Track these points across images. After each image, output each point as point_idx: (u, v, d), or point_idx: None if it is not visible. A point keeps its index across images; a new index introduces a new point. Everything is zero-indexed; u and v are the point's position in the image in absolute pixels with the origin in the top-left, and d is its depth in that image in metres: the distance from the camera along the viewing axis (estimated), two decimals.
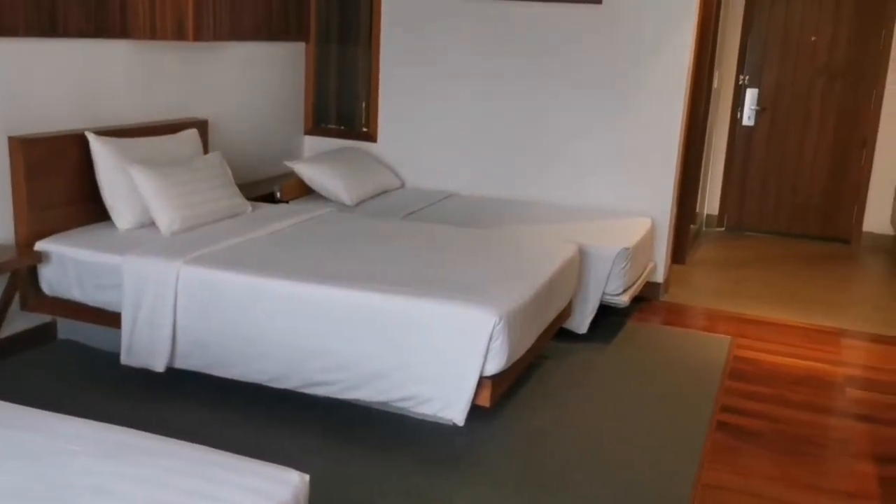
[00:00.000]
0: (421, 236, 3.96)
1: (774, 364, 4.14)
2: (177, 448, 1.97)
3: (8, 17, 3.45)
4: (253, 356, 3.24)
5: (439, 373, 3.00)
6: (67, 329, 3.87)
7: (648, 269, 4.84)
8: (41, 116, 3.71)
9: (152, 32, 4.07)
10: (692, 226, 6.01)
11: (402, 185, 5.52)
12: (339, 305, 3.12)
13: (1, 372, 3.53)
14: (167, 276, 3.32)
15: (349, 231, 4.00)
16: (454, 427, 3.13)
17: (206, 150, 4.47)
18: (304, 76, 5.64)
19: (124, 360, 3.45)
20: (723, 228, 7.22)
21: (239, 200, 4.19)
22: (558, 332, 4.01)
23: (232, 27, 4.48)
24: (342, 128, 5.75)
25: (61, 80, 3.79)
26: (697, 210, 6.43)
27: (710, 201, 7.18)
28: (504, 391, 3.27)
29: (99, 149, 3.77)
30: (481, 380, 3.01)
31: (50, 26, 3.65)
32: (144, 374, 3.46)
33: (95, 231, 3.77)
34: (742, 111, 6.99)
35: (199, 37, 4.13)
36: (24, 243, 3.60)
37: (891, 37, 6.49)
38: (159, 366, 3.37)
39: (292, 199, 4.95)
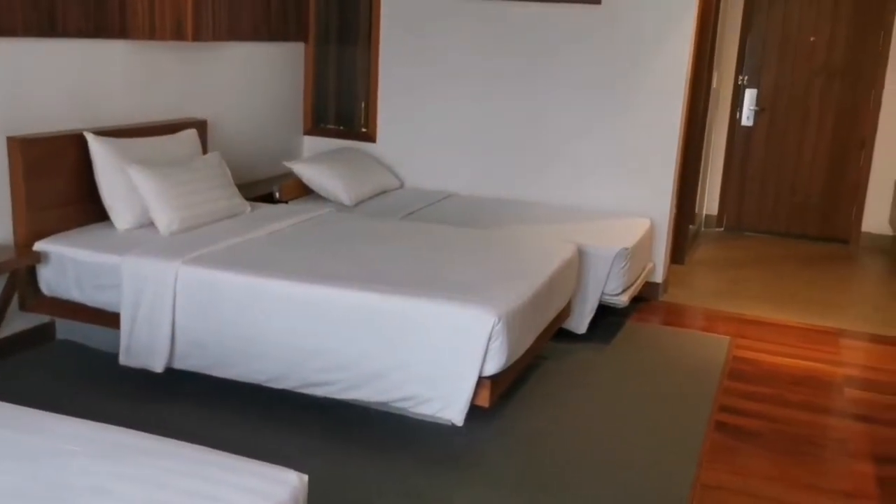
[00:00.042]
0: (420, 236, 3.96)
1: (773, 364, 4.14)
2: (175, 448, 1.97)
3: (6, 17, 3.45)
4: (252, 356, 3.24)
5: (438, 373, 3.00)
6: (66, 329, 3.87)
7: (647, 269, 4.84)
8: (40, 116, 3.70)
9: (151, 32, 4.06)
10: (691, 226, 6.01)
11: (401, 186, 5.52)
12: (338, 306, 3.12)
13: None
14: (166, 276, 3.31)
15: (348, 231, 3.99)
16: (453, 427, 3.13)
17: (205, 151, 4.46)
18: (303, 76, 5.64)
19: (123, 360, 3.44)
20: (722, 229, 7.22)
21: (238, 201, 4.19)
22: (557, 333, 4.01)
23: (231, 27, 4.48)
24: (341, 128, 5.74)
25: (60, 80, 3.79)
26: (696, 210, 6.43)
27: (710, 201, 7.18)
28: (503, 391, 3.27)
29: (98, 149, 3.77)
30: (480, 380, 3.01)
31: (49, 26, 3.65)
32: (143, 375, 3.45)
33: (94, 231, 3.77)
34: (741, 111, 7.00)
35: (197, 37, 4.13)
36: (23, 243, 3.60)
37: (889, 37, 6.49)
38: (158, 366, 3.37)
39: (291, 199, 4.95)
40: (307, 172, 4.94)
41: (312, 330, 3.14)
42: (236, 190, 4.24)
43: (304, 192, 5.04)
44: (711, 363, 4.06)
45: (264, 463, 1.93)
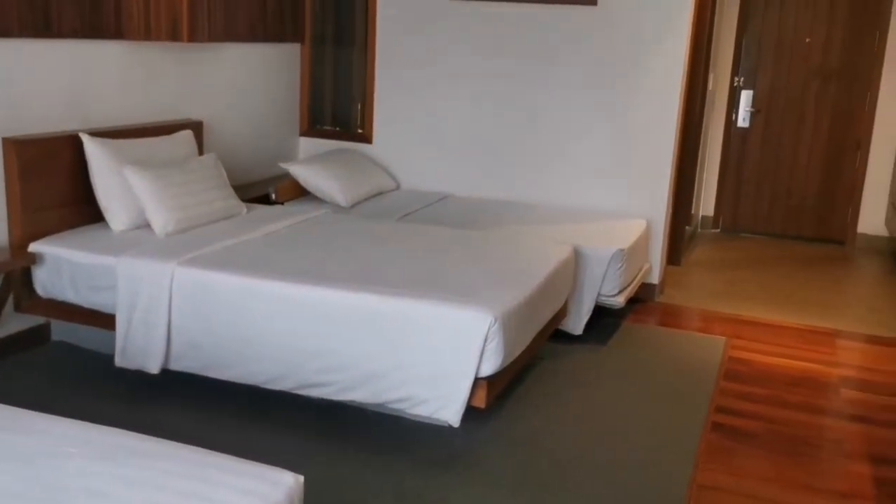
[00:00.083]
0: (416, 238, 3.95)
1: (769, 365, 4.14)
2: (171, 450, 1.97)
3: (2, 18, 3.44)
4: (248, 357, 3.23)
5: (435, 374, 3.00)
6: (61, 331, 3.86)
7: (644, 270, 4.84)
8: (35, 117, 3.70)
9: (147, 33, 4.06)
10: (687, 227, 6.02)
11: (398, 187, 5.51)
12: (334, 307, 3.11)
13: None
14: (162, 277, 3.31)
15: (344, 232, 3.99)
16: (450, 428, 3.13)
17: (200, 152, 4.46)
18: (299, 77, 5.64)
19: (118, 361, 3.44)
20: (718, 230, 7.23)
21: (234, 202, 4.18)
22: (554, 334, 4.00)
23: (227, 28, 4.48)
24: (337, 129, 5.74)
25: (55, 81, 3.78)
26: (693, 211, 6.44)
27: (706, 203, 7.19)
28: (499, 392, 3.27)
29: (93, 150, 3.76)
30: (477, 381, 3.01)
31: (44, 26, 3.64)
32: (139, 376, 3.45)
33: (90, 232, 3.76)
34: (737, 113, 7.01)
35: (193, 38, 4.13)
36: (18, 245, 3.59)
37: (885, 39, 6.51)
38: (154, 367, 3.36)
39: (287, 200, 4.94)
40: (303, 174, 4.94)
41: (309, 331, 3.13)
42: (232, 191, 4.24)
43: (300, 193, 5.04)
44: (708, 364, 4.06)
45: (260, 464, 1.92)
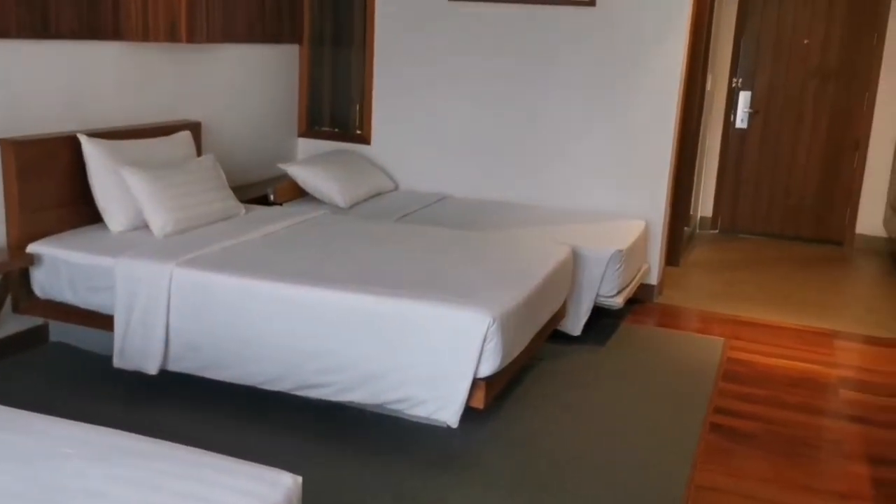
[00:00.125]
0: (415, 239, 3.95)
1: (768, 366, 4.14)
2: (169, 450, 1.97)
3: (0, 18, 3.43)
4: (246, 358, 3.23)
5: (433, 374, 3.00)
6: (59, 332, 3.86)
7: (642, 271, 4.84)
8: (33, 118, 3.69)
9: (145, 34, 4.06)
10: (686, 228, 6.02)
11: (396, 188, 5.51)
12: (332, 308, 3.11)
13: None
14: (160, 278, 3.30)
15: (343, 233, 3.99)
16: (448, 429, 3.13)
17: (199, 153, 4.46)
18: (297, 78, 5.64)
19: (117, 362, 3.43)
20: (716, 231, 7.23)
21: (232, 203, 4.18)
22: (552, 334, 4.00)
23: (225, 29, 4.48)
24: (336, 130, 5.74)
25: (53, 82, 3.78)
26: (691, 212, 6.44)
27: (704, 204, 7.19)
28: (498, 393, 3.27)
29: (91, 151, 3.76)
30: (475, 381, 3.01)
31: (42, 27, 3.64)
32: (137, 377, 3.44)
33: (88, 233, 3.75)
34: (735, 114, 7.01)
35: (191, 38, 4.13)
36: (16, 245, 3.58)
37: (883, 38, 6.52)
38: (152, 368, 3.36)
39: (286, 201, 4.94)
40: (302, 174, 4.94)
41: (307, 332, 3.13)
42: (230, 192, 4.23)
43: (298, 194, 5.04)
44: (706, 365, 4.06)
45: (258, 465, 1.92)
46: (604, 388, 3.75)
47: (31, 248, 3.59)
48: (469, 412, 3.06)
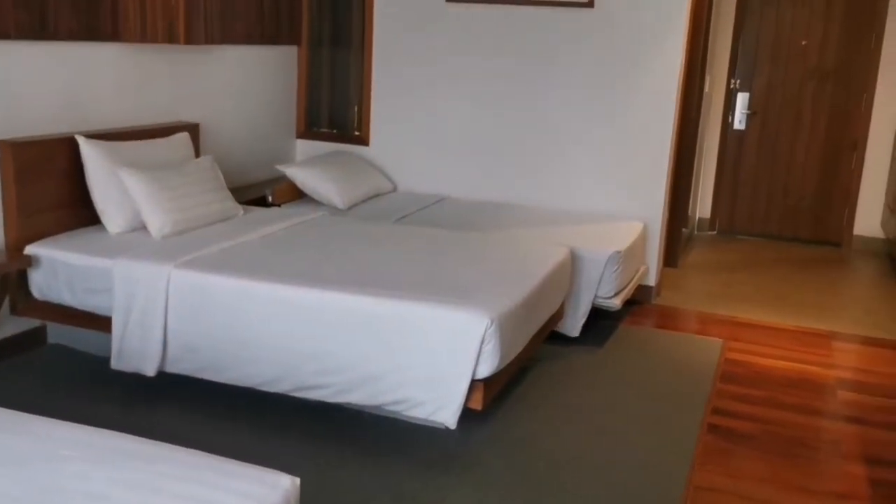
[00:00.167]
0: (413, 240, 3.96)
1: (766, 367, 4.15)
2: (168, 452, 1.97)
3: None
4: (244, 360, 3.23)
5: (431, 376, 3.00)
6: (57, 333, 3.86)
7: (640, 272, 4.85)
8: (31, 119, 3.69)
9: (143, 35, 4.06)
10: (684, 229, 6.02)
11: (395, 189, 5.52)
12: (331, 309, 3.11)
13: None
14: (158, 279, 3.30)
15: (341, 235, 3.99)
16: (446, 430, 3.13)
17: (197, 154, 4.46)
18: (296, 79, 5.64)
19: (115, 364, 3.43)
20: (714, 232, 7.24)
21: (230, 204, 4.18)
22: (550, 335, 4.01)
23: (223, 30, 4.48)
24: (334, 131, 5.74)
25: (51, 83, 3.77)
26: (689, 214, 6.44)
27: (702, 205, 7.20)
28: (496, 394, 3.27)
29: (89, 152, 3.76)
30: (473, 382, 3.01)
31: (40, 28, 3.64)
32: (135, 379, 3.44)
33: (86, 235, 3.75)
34: (733, 115, 7.02)
35: (190, 40, 4.12)
36: (14, 247, 3.58)
37: (881, 39, 6.52)
38: (150, 370, 3.36)
39: (284, 202, 4.94)
40: (300, 176, 4.94)
41: (306, 333, 3.13)
42: (229, 193, 4.24)
43: (296, 195, 5.03)
44: (704, 366, 4.07)
45: (257, 466, 1.92)
46: (602, 390, 3.75)
47: (29, 249, 3.58)
48: (467, 413, 3.06)
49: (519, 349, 3.32)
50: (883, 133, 6.61)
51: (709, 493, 2.92)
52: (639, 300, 4.97)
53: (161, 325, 3.31)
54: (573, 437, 3.28)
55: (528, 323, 3.37)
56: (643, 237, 4.87)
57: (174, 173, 3.93)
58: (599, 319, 4.51)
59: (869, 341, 4.64)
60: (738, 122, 7.01)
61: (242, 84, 5.11)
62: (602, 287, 4.23)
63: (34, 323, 3.82)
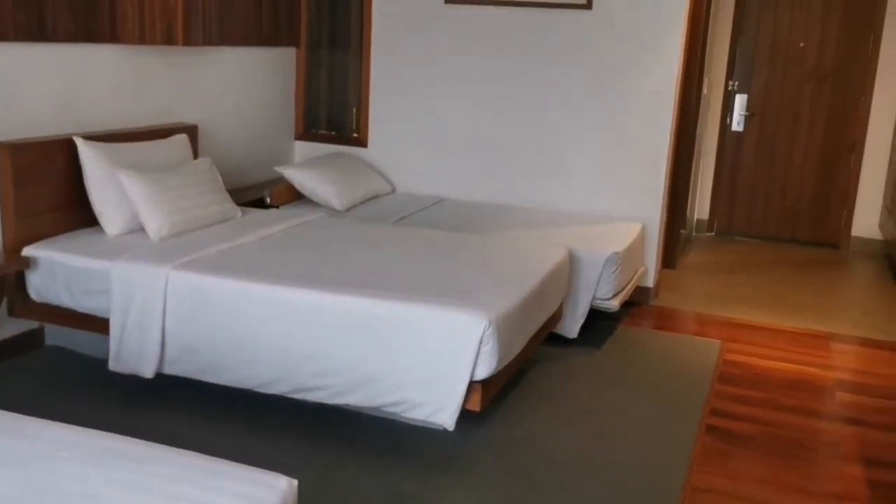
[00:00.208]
0: (411, 241, 3.96)
1: (764, 368, 4.15)
2: (165, 454, 1.96)
3: None
4: (243, 361, 3.23)
5: (430, 377, 3.00)
6: (55, 335, 3.85)
7: (639, 273, 4.85)
8: (29, 121, 3.69)
9: (141, 37, 4.05)
10: (682, 231, 6.03)
11: (393, 191, 5.52)
12: (329, 310, 3.11)
13: None
14: (156, 281, 3.30)
15: (340, 236, 3.99)
16: (445, 432, 3.13)
17: (195, 156, 4.45)
18: (294, 81, 5.64)
19: (113, 366, 3.43)
20: (713, 233, 7.24)
21: (229, 206, 4.18)
22: (549, 337, 4.01)
23: (222, 32, 4.47)
24: (333, 133, 5.74)
25: (50, 85, 3.77)
26: (687, 215, 6.45)
27: (700, 206, 7.20)
28: (495, 395, 3.27)
29: (87, 154, 3.75)
30: (471, 384, 3.00)
31: (38, 30, 3.64)
32: (133, 381, 3.44)
33: (84, 236, 3.75)
34: (731, 117, 7.02)
35: (188, 41, 4.12)
36: (12, 249, 3.58)
37: (879, 41, 6.53)
38: (148, 372, 3.36)
39: (282, 204, 4.94)
40: (298, 177, 4.94)
41: (304, 335, 3.13)
42: (227, 195, 4.23)
43: (295, 197, 5.03)
44: (703, 367, 4.07)
45: (254, 468, 1.92)
46: (601, 391, 3.75)
47: (27, 251, 3.58)
48: (466, 415, 3.06)
49: (517, 350, 3.32)
50: (881, 135, 6.62)
51: (707, 495, 2.92)
52: (637, 301, 4.97)
53: (159, 327, 3.31)
54: (572, 438, 3.28)
55: (526, 324, 3.38)
56: (641, 238, 4.88)
57: (172, 175, 3.93)
58: (598, 321, 4.51)
59: (867, 342, 4.64)
60: (737, 123, 7.01)
61: (241, 86, 5.11)
62: (600, 288, 4.23)
63: (32, 324, 3.82)
